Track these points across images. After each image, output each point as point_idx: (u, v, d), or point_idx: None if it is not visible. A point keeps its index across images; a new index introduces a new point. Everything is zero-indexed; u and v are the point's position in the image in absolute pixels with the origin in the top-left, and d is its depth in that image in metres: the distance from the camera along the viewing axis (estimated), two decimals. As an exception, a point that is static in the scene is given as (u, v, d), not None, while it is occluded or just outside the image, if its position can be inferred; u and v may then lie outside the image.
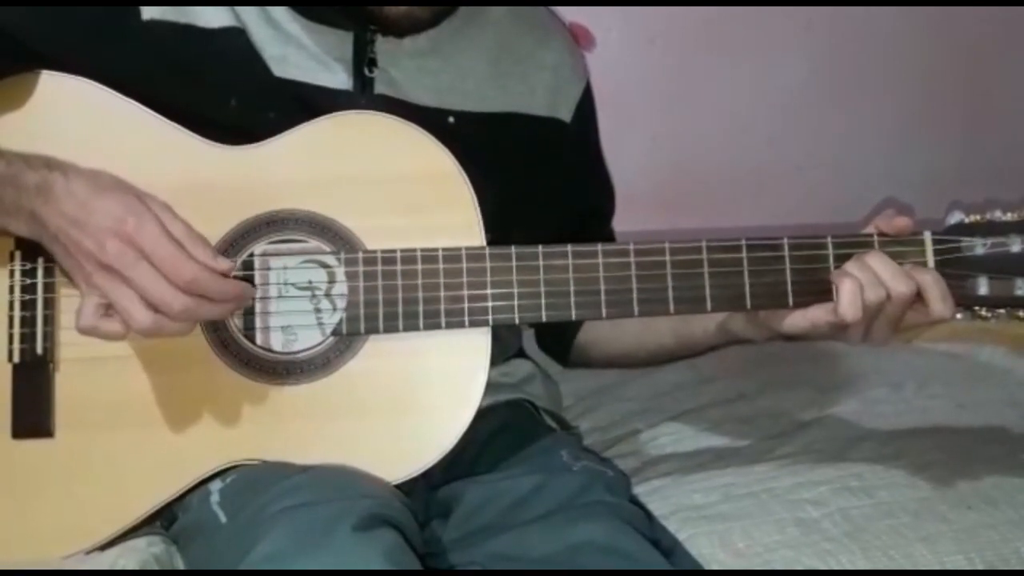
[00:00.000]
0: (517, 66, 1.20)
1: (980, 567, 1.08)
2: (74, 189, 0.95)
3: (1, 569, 1.00)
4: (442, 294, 1.03)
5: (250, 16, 1.09)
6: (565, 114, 1.24)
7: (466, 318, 1.03)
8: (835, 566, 1.06)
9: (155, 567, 1.00)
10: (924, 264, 1.02)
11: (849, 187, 2.00)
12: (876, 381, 1.51)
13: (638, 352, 1.26)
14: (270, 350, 1.04)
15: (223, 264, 0.97)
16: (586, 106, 1.27)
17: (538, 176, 1.20)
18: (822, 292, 1.02)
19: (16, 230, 0.99)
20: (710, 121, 1.92)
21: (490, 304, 1.03)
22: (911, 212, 1.06)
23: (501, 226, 1.07)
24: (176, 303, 0.93)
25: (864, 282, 0.99)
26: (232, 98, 1.08)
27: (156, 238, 0.94)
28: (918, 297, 1.00)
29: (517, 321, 1.04)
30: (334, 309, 1.04)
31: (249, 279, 1.03)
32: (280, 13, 1.10)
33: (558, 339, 1.33)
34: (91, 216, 0.94)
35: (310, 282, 1.04)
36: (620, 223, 1.35)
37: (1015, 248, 1.01)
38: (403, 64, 1.13)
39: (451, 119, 1.14)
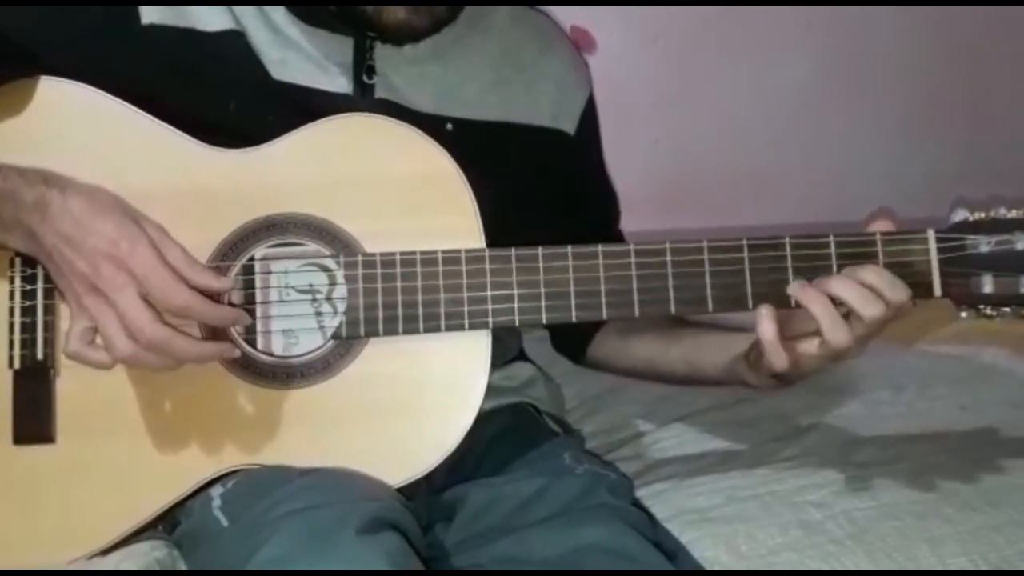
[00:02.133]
0: (520, 75, 1.19)
1: (984, 568, 1.08)
2: (70, 207, 0.95)
3: (5, 570, 1.00)
4: (442, 296, 1.02)
5: (249, 19, 1.09)
6: (568, 126, 1.22)
7: (466, 320, 1.03)
8: (838, 568, 1.06)
9: (157, 570, 1.00)
10: (928, 261, 1.01)
11: (850, 187, 2.00)
12: (878, 383, 1.50)
13: (647, 373, 1.26)
14: (271, 354, 1.03)
15: (224, 283, 0.98)
16: (589, 116, 1.25)
17: (538, 186, 1.19)
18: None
19: (13, 245, 0.99)
20: (711, 121, 1.92)
21: (490, 307, 1.03)
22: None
23: (500, 234, 1.06)
24: (147, 331, 0.93)
25: (856, 300, 0.97)
26: (231, 101, 1.07)
27: (149, 263, 0.94)
28: None
29: (517, 323, 1.04)
30: (335, 312, 1.03)
31: (249, 283, 1.03)
32: (280, 17, 1.10)
33: (571, 343, 1.32)
34: (86, 237, 0.94)
35: (311, 285, 1.04)
36: (621, 223, 1.34)
37: (1020, 245, 1.00)
38: (403, 70, 1.12)
39: (449, 126, 1.13)
